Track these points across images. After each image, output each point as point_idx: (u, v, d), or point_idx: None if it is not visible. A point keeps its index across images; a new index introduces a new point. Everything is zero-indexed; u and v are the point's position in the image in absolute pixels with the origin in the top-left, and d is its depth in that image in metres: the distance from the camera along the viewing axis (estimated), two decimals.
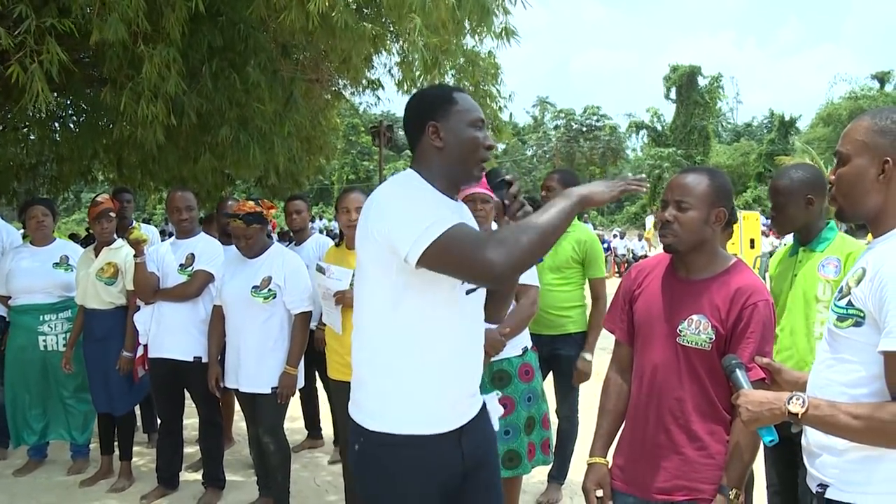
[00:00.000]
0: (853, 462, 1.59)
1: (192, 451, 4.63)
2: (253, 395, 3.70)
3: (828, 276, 2.61)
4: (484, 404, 2.03)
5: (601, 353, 4.48)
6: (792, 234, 2.82)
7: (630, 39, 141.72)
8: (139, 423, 4.88)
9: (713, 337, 2.00)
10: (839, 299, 1.64)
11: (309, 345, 3.86)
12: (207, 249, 4.08)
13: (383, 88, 7.37)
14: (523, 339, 3.31)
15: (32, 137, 7.36)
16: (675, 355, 2.05)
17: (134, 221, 5.39)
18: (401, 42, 5.27)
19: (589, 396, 3.85)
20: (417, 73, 5.05)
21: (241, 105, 5.35)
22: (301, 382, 3.78)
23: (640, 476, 2.10)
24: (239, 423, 4.60)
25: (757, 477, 3.16)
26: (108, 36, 3.90)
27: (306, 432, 5.14)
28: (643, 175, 1.82)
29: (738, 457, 1.99)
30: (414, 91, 5.08)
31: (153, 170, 7.04)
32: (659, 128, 47.29)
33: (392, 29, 5.36)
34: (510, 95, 7.47)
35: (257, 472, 3.98)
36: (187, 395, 4.18)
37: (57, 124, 7.14)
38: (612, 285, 3.18)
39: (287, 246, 4.59)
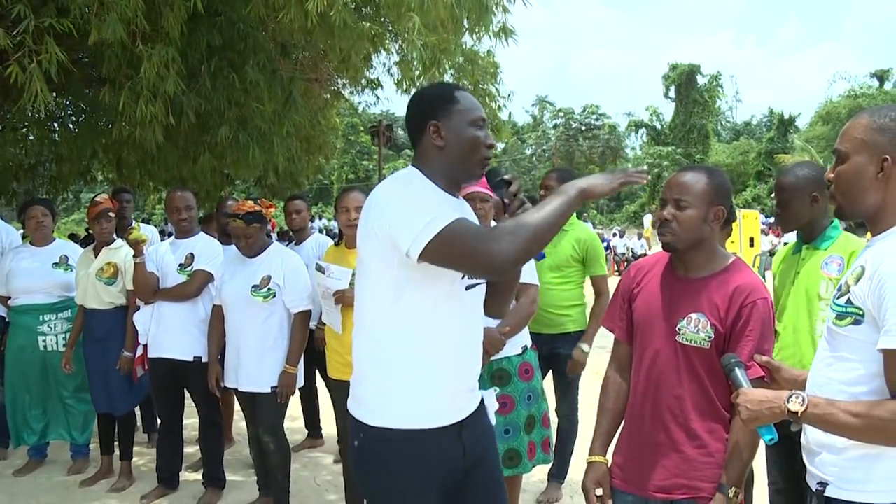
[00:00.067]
0: (853, 460, 1.59)
1: (192, 450, 4.63)
2: (253, 395, 3.70)
3: (831, 274, 2.61)
4: (482, 399, 2.04)
5: (600, 353, 4.50)
6: (795, 231, 2.81)
7: (631, 39, 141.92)
8: (139, 423, 4.88)
9: (712, 335, 2.00)
10: (838, 297, 1.64)
11: (309, 344, 3.87)
12: (207, 249, 4.07)
13: (382, 88, 7.43)
14: (523, 338, 3.30)
15: (31, 137, 7.37)
16: (674, 354, 2.05)
17: (133, 221, 5.38)
18: (399, 41, 5.26)
19: (588, 395, 3.85)
20: (416, 72, 5.04)
21: (241, 105, 5.34)
22: (301, 382, 3.78)
23: (640, 474, 2.10)
24: (239, 423, 4.60)
25: (757, 475, 3.16)
26: (106, 36, 3.90)
27: (306, 432, 5.14)
28: (644, 168, 1.82)
29: (738, 455, 1.99)
30: (413, 90, 5.10)
31: (152, 170, 7.03)
32: (658, 126, 47.33)
33: (391, 28, 5.36)
34: (509, 95, 7.51)
35: (257, 471, 3.98)
36: (187, 394, 4.18)
37: (56, 124, 7.14)
38: (611, 284, 3.18)
39: (287, 245, 4.60)
